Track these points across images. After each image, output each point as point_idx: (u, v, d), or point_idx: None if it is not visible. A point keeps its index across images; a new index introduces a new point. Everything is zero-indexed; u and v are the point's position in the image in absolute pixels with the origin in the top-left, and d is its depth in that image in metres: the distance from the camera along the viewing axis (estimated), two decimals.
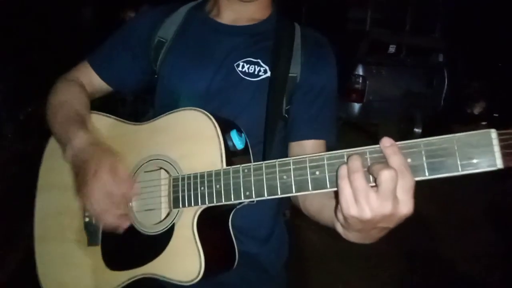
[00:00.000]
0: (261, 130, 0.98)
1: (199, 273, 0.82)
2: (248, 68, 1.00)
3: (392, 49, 5.61)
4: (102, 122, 1.04)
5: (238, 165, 0.80)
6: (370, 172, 0.63)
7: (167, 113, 0.93)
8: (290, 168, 0.72)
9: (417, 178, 0.62)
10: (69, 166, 0.96)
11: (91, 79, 1.11)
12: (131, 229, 0.93)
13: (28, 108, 4.80)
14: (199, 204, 0.84)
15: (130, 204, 0.94)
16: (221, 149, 0.84)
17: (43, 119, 1.05)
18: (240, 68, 1.00)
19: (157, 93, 1.08)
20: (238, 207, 0.91)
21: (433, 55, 6.23)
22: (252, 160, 0.91)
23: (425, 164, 0.62)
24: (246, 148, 0.91)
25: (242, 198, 0.78)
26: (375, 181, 0.62)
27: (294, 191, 0.72)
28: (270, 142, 0.97)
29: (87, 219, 1.01)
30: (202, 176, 0.84)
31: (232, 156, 0.86)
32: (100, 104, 1.15)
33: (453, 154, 0.60)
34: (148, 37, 1.07)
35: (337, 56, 1.05)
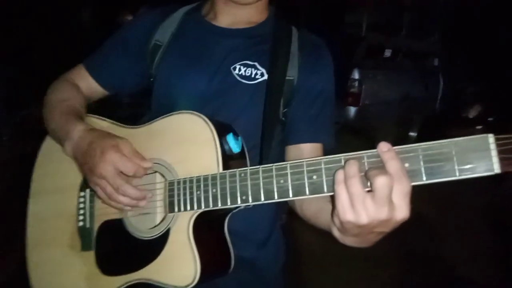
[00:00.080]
0: (258, 133, 0.97)
1: (194, 278, 0.81)
2: (245, 71, 0.99)
3: (388, 53, 5.60)
4: (98, 125, 1.03)
5: (235, 169, 0.79)
6: (366, 178, 0.63)
7: (163, 116, 0.93)
8: (287, 172, 0.71)
9: (415, 183, 0.62)
10: (68, 165, 0.94)
11: (87, 83, 1.11)
12: (126, 234, 0.92)
13: (26, 110, 4.79)
14: (195, 208, 0.83)
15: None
16: (217, 153, 0.83)
17: (41, 121, 1.05)
18: (236, 71, 0.99)
19: (153, 96, 1.08)
20: (234, 211, 0.90)
21: (429, 59, 6.25)
22: (248, 164, 0.90)
23: (422, 169, 0.62)
24: (242, 152, 0.90)
25: (239, 202, 0.78)
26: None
27: (291, 196, 0.71)
28: (267, 146, 0.96)
29: (80, 224, 0.99)
30: (198, 180, 0.83)
31: (229, 160, 0.85)
32: (96, 107, 1.14)
33: (451, 159, 0.60)
34: (145, 40, 1.06)
35: (334, 60, 1.04)
